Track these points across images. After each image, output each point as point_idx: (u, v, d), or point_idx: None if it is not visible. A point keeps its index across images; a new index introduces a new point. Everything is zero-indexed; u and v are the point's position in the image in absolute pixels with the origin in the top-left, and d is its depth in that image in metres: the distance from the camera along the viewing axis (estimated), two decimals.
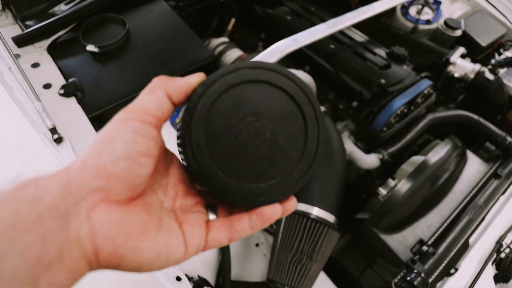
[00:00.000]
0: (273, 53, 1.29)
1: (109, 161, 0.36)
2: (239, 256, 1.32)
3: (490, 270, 1.26)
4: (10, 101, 1.12)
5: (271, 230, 1.48)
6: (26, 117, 1.09)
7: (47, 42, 1.31)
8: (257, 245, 1.39)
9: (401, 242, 1.21)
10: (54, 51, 1.30)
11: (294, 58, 1.56)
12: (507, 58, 1.65)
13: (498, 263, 1.28)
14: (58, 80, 1.23)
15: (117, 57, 1.28)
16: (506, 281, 1.28)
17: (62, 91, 1.19)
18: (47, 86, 1.21)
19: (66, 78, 1.24)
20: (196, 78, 0.45)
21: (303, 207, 1.16)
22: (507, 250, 1.29)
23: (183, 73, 1.31)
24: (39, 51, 1.29)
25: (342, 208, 1.47)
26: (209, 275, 1.16)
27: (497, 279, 1.28)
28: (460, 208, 1.31)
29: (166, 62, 1.30)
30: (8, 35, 1.27)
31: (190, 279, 1.03)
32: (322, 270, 1.34)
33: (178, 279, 0.95)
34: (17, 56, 1.25)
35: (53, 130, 1.07)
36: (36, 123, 1.09)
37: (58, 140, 1.06)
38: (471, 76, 1.63)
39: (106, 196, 0.36)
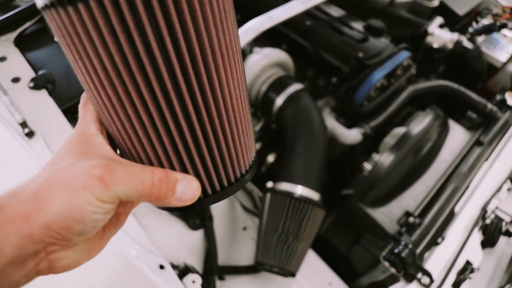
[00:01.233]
0: (247, 32, 1.26)
1: (63, 220, 0.35)
2: (227, 241, 1.31)
3: (477, 236, 1.27)
4: None
5: (258, 212, 1.47)
6: None
7: (13, 35, 1.26)
8: (244, 228, 1.38)
9: (387, 215, 1.21)
10: (22, 44, 1.25)
11: (271, 37, 1.53)
12: (484, 26, 1.64)
13: (484, 229, 1.28)
14: (27, 73, 1.19)
15: None
16: (492, 245, 1.29)
17: (32, 84, 1.15)
18: (15, 80, 1.16)
19: (35, 71, 1.20)
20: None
21: (286, 186, 1.15)
22: (492, 216, 1.30)
23: None
24: (5, 45, 1.24)
25: (328, 187, 1.47)
26: (196, 262, 1.15)
27: (484, 244, 1.28)
28: (444, 177, 1.31)
29: None
30: None
31: (175, 267, 1.02)
32: (311, 249, 1.34)
33: (161, 267, 0.93)
34: None
35: (23, 124, 1.03)
36: (5, 118, 1.05)
37: (30, 134, 1.03)
38: (450, 46, 1.62)
39: (64, 246, 0.37)
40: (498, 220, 1.29)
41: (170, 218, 1.14)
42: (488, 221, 1.28)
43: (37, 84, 1.15)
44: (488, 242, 1.29)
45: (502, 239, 1.37)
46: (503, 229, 1.30)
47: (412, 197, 1.26)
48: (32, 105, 1.12)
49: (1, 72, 1.16)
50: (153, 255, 0.93)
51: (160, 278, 0.90)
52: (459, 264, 1.18)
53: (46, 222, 0.34)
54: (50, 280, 0.47)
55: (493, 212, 1.31)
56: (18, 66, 1.20)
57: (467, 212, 1.27)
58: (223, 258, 1.25)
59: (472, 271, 1.18)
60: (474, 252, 1.22)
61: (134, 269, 0.88)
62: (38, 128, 1.05)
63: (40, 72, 1.18)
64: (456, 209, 1.28)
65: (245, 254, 1.34)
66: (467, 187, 1.32)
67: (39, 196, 0.35)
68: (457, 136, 1.44)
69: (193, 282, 0.96)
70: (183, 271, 1.02)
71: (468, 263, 1.19)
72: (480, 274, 1.33)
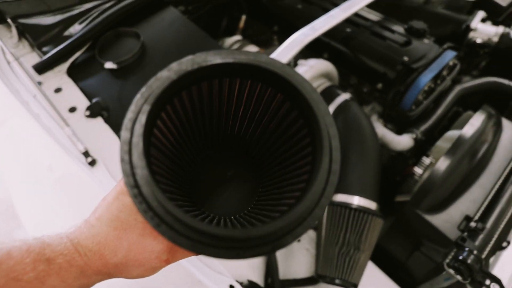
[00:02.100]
0: (293, 45, 1.27)
1: None
2: (282, 255, 1.31)
3: None
4: (39, 129, 1.13)
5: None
6: (57, 143, 1.09)
7: (65, 65, 1.31)
8: (298, 240, 1.39)
9: (446, 220, 1.19)
10: (74, 73, 1.30)
11: (311, 47, 1.52)
12: None
13: None
14: (82, 102, 1.23)
15: (136, 70, 1.28)
16: None
17: (88, 113, 1.19)
18: (72, 109, 1.21)
19: (89, 99, 1.24)
20: None
21: (342, 197, 1.14)
22: None
23: None
24: (59, 75, 1.29)
25: (380, 192, 1.44)
26: (258, 278, 1.16)
27: None
28: (502, 178, 1.27)
29: None
30: (28, 64, 1.27)
31: (240, 284, 1.03)
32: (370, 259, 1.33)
33: (231, 287, 0.95)
34: (40, 83, 1.26)
35: (86, 154, 1.07)
36: (67, 147, 1.09)
37: (92, 163, 1.07)
38: (495, 39, 1.57)
39: None
40: None
41: None
42: None
43: (93, 112, 1.19)
44: None
45: None
46: None
47: (471, 201, 1.22)
48: (90, 133, 1.16)
49: (58, 103, 1.21)
50: (222, 276, 0.95)
51: None
52: None
53: None
54: None
55: None
56: (73, 96, 1.25)
57: None
58: (280, 271, 1.25)
59: None
60: None
61: None
62: (99, 156, 1.09)
63: (94, 100, 1.22)
64: None
65: (302, 266, 1.34)
66: None
67: (121, 269, 0.47)
68: (511, 134, 1.40)
69: None
70: (249, 287, 1.03)
71: None
72: None
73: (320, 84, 1.34)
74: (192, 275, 0.89)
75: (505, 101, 1.57)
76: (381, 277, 1.32)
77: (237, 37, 1.61)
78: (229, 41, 1.58)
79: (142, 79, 1.25)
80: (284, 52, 1.24)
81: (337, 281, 1.12)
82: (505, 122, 1.43)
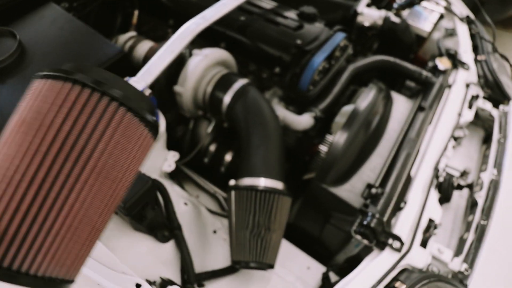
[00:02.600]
0: (183, 35, 1.25)
1: None
2: (199, 247, 1.28)
3: (434, 195, 1.34)
4: None
5: (225, 213, 1.46)
6: None
7: None
8: (214, 232, 1.36)
9: (350, 191, 1.25)
10: None
11: (207, 37, 1.51)
12: (407, 0, 1.73)
13: (439, 187, 1.36)
14: None
15: (15, 72, 1.17)
16: (448, 200, 1.37)
17: None
18: None
19: None
20: None
21: (248, 181, 1.14)
22: (444, 174, 1.38)
23: None
24: None
25: (289, 175, 1.48)
26: (172, 274, 1.12)
27: (441, 201, 1.36)
28: (396, 146, 1.37)
29: None
30: None
31: (152, 283, 0.98)
32: (285, 238, 1.35)
33: (138, 286, 0.89)
34: None
35: None
36: None
37: None
38: (380, 22, 1.70)
39: None
40: (450, 176, 1.38)
41: (137, 235, 1.10)
42: (441, 179, 1.36)
43: None
44: (445, 198, 1.37)
45: (455, 194, 1.45)
46: (455, 184, 1.38)
47: (371, 169, 1.30)
48: None
49: None
50: (126, 276, 0.89)
51: None
52: (423, 224, 1.24)
53: None
54: None
55: (444, 170, 1.39)
56: None
57: (422, 174, 1.34)
58: (198, 265, 1.22)
59: (435, 227, 1.24)
60: (434, 209, 1.29)
61: None
62: None
63: None
64: (412, 173, 1.34)
65: (220, 257, 1.32)
66: (418, 151, 1.40)
67: None
68: (401, 105, 1.51)
69: None
70: (162, 286, 0.98)
71: (430, 220, 1.26)
72: (442, 229, 1.41)
73: (217, 73, 1.34)
74: (88, 279, 0.83)
75: (395, 77, 1.70)
76: (299, 254, 1.35)
77: (131, 33, 1.55)
78: (123, 38, 1.52)
79: (22, 81, 1.15)
80: (175, 43, 1.22)
81: (252, 264, 1.12)
82: (395, 95, 1.54)
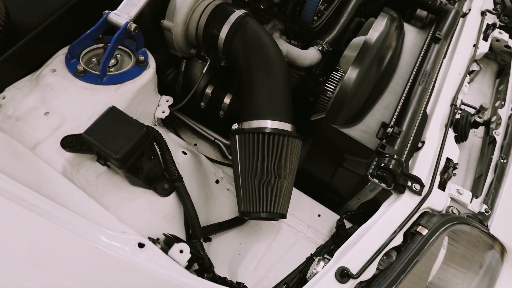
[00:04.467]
0: None
1: None
2: (203, 200, 1.19)
3: (451, 133, 1.25)
4: None
5: (228, 162, 1.35)
6: None
7: None
8: (217, 181, 1.26)
9: (364, 131, 1.14)
10: None
11: None
12: None
13: (456, 125, 1.26)
14: None
15: None
16: (464, 139, 1.28)
17: None
18: None
19: None
20: None
21: (253, 123, 1.03)
22: (460, 111, 1.28)
23: (67, 9, 1.04)
24: None
25: (294, 117, 1.36)
26: (177, 230, 1.02)
27: (457, 139, 1.27)
28: (411, 80, 1.25)
29: (42, 1, 1.02)
30: None
31: (156, 241, 0.88)
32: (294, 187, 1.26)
33: (141, 245, 0.79)
34: None
35: None
36: None
37: None
38: None
39: None
40: (467, 114, 1.28)
41: (135, 190, 0.98)
42: (457, 117, 1.26)
43: None
44: (461, 137, 1.28)
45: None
46: (471, 121, 1.29)
47: (385, 107, 1.19)
48: None
49: None
50: (127, 235, 0.79)
51: (143, 257, 0.76)
52: (442, 164, 1.15)
53: None
54: None
55: (459, 107, 1.29)
56: None
57: (439, 111, 1.23)
58: (203, 218, 1.13)
59: (454, 167, 1.16)
60: (452, 149, 1.20)
61: (111, 257, 0.73)
62: None
63: None
64: (428, 110, 1.24)
65: (225, 208, 1.23)
66: (434, 86, 1.28)
67: None
68: (413, 37, 1.37)
69: (181, 252, 0.84)
70: (167, 243, 0.89)
71: (449, 160, 1.17)
72: (459, 170, 1.33)
73: (210, 3, 1.17)
74: (90, 245, 0.72)
75: (405, 5, 1.54)
76: (308, 202, 1.27)
77: None
78: None
79: None
80: None
81: (262, 215, 1.03)
82: (406, 26, 1.40)
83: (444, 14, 1.40)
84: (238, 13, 1.14)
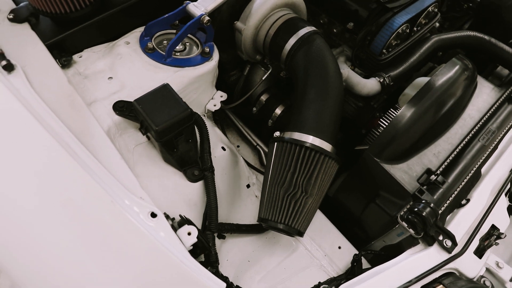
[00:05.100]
0: None
1: None
2: (229, 198, 1.20)
3: (504, 201, 1.15)
4: None
5: (263, 169, 1.36)
6: None
7: None
8: (248, 186, 1.28)
9: (406, 172, 1.09)
10: None
11: None
12: None
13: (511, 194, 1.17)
14: (7, 5, 1.07)
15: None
16: None
17: (11, 16, 1.03)
18: None
19: (16, 3, 1.07)
20: None
21: (296, 135, 1.03)
22: None
23: None
24: None
25: (340, 145, 1.34)
26: (194, 217, 1.04)
27: (510, 210, 1.17)
28: (471, 135, 1.18)
29: None
30: None
31: (169, 218, 0.91)
32: (320, 210, 1.23)
33: (153, 215, 0.83)
34: None
35: (1, 56, 0.92)
36: None
37: (8, 68, 0.91)
38: None
39: None
40: None
41: (167, 168, 1.03)
42: None
43: (18, 16, 1.03)
44: None
45: None
46: None
47: (435, 155, 1.13)
48: (12, 38, 1.00)
49: None
50: (143, 202, 0.83)
51: (151, 226, 0.79)
52: (484, 229, 1.07)
53: None
54: None
55: None
56: None
57: (494, 174, 1.15)
58: (223, 215, 1.15)
59: (498, 237, 1.06)
60: (500, 216, 1.11)
61: (122, 215, 0.77)
62: (18, 62, 0.94)
63: (22, 4, 1.06)
64: (483, 170, 1.15)
65: (248, 214, 1.24)
66: (496, 147, 1.20)
67: None
68: (486, 93, 1.30)
69: (189, 234, 0.86)
70: (179, 224, 0.91)
71: (493, 227, 1.08)
72: (505, 243, 1.22)
73: (284, 14, 1.21)
74: (105, 196, 0.77)
75: (486, 60, 1.47)
76: (332, 231, 1.23)
77: None
78: None
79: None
80: None
81: (280, 226, 1.01)
82: (481, 80, 1.33)
83: None
84: (308, 29, 1.16)
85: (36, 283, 0.71)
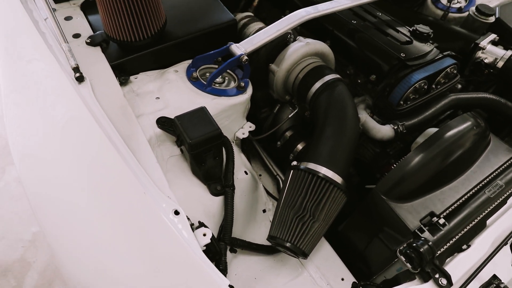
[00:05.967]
0: (292, 18, 1.32)
1: None
2: (245, 219, 1.32)
3: (508, 254, 1.19)
4: (42, 46, 1.21)
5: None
6: (55, 58, 1.16)
7: (81, 0, 1.40)
8: (264, 211, 1.39)
9: (410, 212, 1.17)
10: (86, 8, 1.39)
11: (316, 32, 1.57)
12: None
13: None
14: (87, 32, 1.31)
15: None
16: None
17: (89, 40, 1.26)
18: (76, 35, 1.29)
19: (94, 31, 1.31)
20: None
21: (311, 165, 1.15)
22: None
23: (204, 33, 1.35)
24: (73, 7, 1.39)
25: (355, 187, 1.44)
26: (211, 227, 1.16)
27: None
28: (478, 187, 1.25)
29: (187, 22, 1.36)
30: None
31: (189, 219, 1.04)
32: (329, 243, 1.31)
33: (176, 213, 0.96)
34: (54, 10, 1.35)
35: (76, 69, 1.13)
36: (62, 63, 1.16)
37: (80, 79, 1.12)
38: (501, 62, 1.57)
39: None
40: None
41: (193, 179, 1.17)
42: None
43: (94, 40, 1.26)
44: None
45: None
46: None
47: (440, 200, 1.21)
48: (86, 57, 1.23)
49: (65, 28, 1.29)
50: (170, 200, 0.97)
51: (174, 220, 0.92)
52: (484, 277, 1.11)
53: None
54: None
55: None
56: (80, 25, 1.33)
57: (499, 225, 1.20)
58: (238, 232, 1.25)
59: (498, 286, 1.10)
60: (503, 268, 1.15)
61: (150, 206, 0.92)
62: (88, 76, 1.15)
63: (98, 32, 1.29)
64: (489, 222, 1.21)
65: (261, 236, 1.33)
66: (505, 201, 1.25)
67: None
68: (499, 152, 1.37)
69: (204, 235, 0.98)
70: (197, 227, 1.04)
71: (495, 277, 1.12)
72: None
73: (314, 62, 1.38)
74: (139, 189, 0.92)
75: (504, 122, 1.55)
76: (338, 263, 1.30)
77: (248, 13, 1.68)
78: (240, 15, 1.66)
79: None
80: (282, 23, 1.30)
81: (287, 244, 1.11)
82: (495, 140, 1.41)
83: None
84: (333, 76, 1.32)
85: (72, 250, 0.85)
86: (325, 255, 1.30)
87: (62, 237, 0.94)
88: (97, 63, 1.21)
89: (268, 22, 1.74)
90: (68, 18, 1.34)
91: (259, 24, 1.60)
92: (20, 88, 1.17)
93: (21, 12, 1.28)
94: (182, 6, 1.44)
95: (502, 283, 1.10)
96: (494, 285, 1.10)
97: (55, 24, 1.22)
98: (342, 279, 1.26)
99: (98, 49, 1.26)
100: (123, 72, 1.25)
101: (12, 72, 1.23)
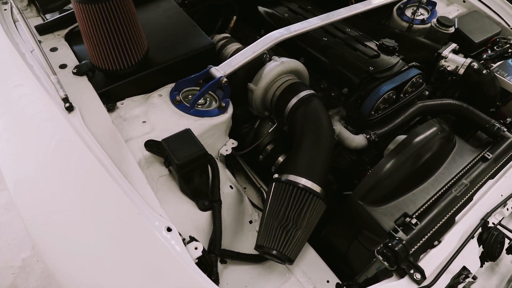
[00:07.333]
0: (267, 40, 1.41)
1: None
2: (233, 231, 1.39)
3: (475, 247, 1.29)
4: (31, 78, 1.27)
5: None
6: (44, 90, 1.23)
7: (64, 31, 1.47)
8: (250, 222, 1.46)
9: (385, 214, 1.27)
10: (71, 39, 1.46)
11: (290, 50, 1.67)
12: (498, 51, 1.71)
13: (484, 242, 1.30)
14: (73, 62, 1.38)
15: None
16: (492, 259, 1.30)
17: (75, 70, 1.33)
18: (63, 66, 1.35)
19: (79, 61, 1.38)
20: None
21: (291, 177, 1.24)
22: (495, 232, 1.31)
23: (184, 58, 1.44)
24: (57, 39, 1.45)
25: (335, 193, 1.53)
26: (201, 241, 1.22)
27: (484, 258, 1.30)
28: (446, 187, 1.36)
29: (168, 49, 1.44)
30: (32, 25, 1.43)
31: (181, 235, 1.11)
32: (313, 248, 1.40)
33: (169, 229, 1.03)
34: (39, 42, 1.41)
35: (65, 100, 1.20)
36: (51, 94, 1.22)
37: (69, 108, 1.19)
38: (462, 70, 1.70)
39: None
40: (501, 235, 1.31)
41: (182, 197, 1.24)
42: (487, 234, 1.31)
43: (80, 70, 1.33)
44: (488, 255, 1.30)
45: (508, 258, 1.38)
46: (505, 244, 1.31)
47: (412, 201, 1.31)
48: (74, 87, 1.29)
49: (52, 59, 1.35)
50: (162, 218, 1.04)
51: (167, 236, 1.00)
52: (455, 269, 1.20)
53: None
54: None
55: (495, 225, 1.33)
56: (66, 56, 1.40)
57: (466, 221, 1.30)
58: (227, 244, 1.32)
59: (467, 276, 1.20)
60: (471, 260, 1.25)
61: (144, 225, 0.99)
62: (77, 105, 1.22)
63: (84, 62, 1.36)
64: (457, 218, 1.31)
65: (248, 246, 1.40)
66: (470, 199, 1.36)
67: None
68: (464, 153, 1.49)
69: (196, 248, 1.05)
70: (188, 242, 1.11)
71: (464, 268, 1.22)
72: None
73: (289, 79, 1.47)
74: (132, 208, 0.99)
75: (468, 125, 1.67)
76: (322, 267, 1.37)
77: (225, 35, 1.78)
78: (218, 37, 1.75)
79: None
80: (258, 45, 1.39)
81: (273, 252, 1.19)
82: (460, 142, 1.52)
83: (501, 139, 1.51)
84: (308, 91, 1.42)
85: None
86: (310, 260, 1.38)
87: (60, 258, 1.00)
88: (84, 92, 1.28)
89: (244, 41, 1.85)
90: (53, 49, 1.41)
91: (236, 45, 1.70)
92: (13, 121, 1.23)
93: (8, 46, 1.34)
94: (162, 32, 1.52)
95: (471, 273, 1.20)
96: (464, 275, 1.20)
97: (42, 56, 1.29)
98: (328, 281, 1.34)
99: (84, 78, 1.33)
100: (110, 99, 1.32)
101: (4, 105, 1.28)
